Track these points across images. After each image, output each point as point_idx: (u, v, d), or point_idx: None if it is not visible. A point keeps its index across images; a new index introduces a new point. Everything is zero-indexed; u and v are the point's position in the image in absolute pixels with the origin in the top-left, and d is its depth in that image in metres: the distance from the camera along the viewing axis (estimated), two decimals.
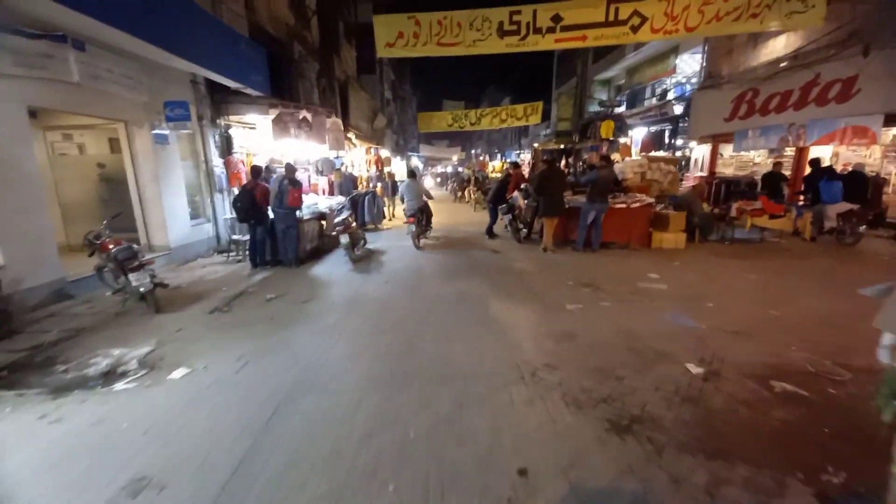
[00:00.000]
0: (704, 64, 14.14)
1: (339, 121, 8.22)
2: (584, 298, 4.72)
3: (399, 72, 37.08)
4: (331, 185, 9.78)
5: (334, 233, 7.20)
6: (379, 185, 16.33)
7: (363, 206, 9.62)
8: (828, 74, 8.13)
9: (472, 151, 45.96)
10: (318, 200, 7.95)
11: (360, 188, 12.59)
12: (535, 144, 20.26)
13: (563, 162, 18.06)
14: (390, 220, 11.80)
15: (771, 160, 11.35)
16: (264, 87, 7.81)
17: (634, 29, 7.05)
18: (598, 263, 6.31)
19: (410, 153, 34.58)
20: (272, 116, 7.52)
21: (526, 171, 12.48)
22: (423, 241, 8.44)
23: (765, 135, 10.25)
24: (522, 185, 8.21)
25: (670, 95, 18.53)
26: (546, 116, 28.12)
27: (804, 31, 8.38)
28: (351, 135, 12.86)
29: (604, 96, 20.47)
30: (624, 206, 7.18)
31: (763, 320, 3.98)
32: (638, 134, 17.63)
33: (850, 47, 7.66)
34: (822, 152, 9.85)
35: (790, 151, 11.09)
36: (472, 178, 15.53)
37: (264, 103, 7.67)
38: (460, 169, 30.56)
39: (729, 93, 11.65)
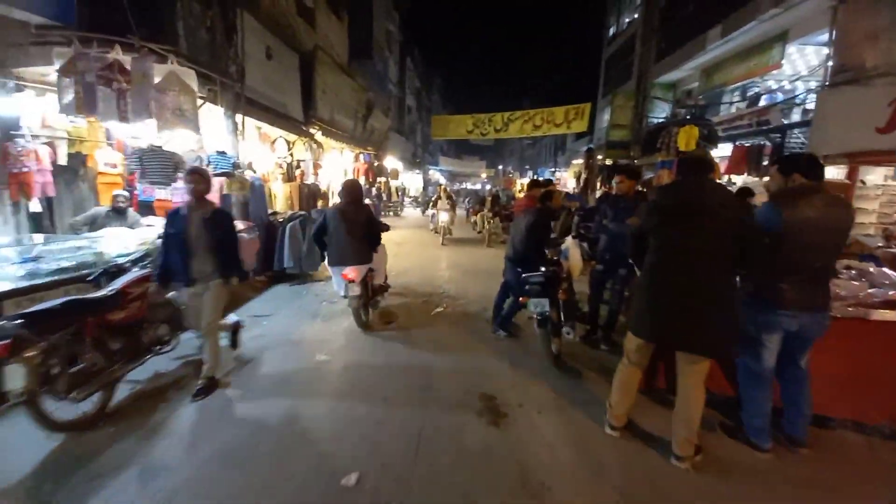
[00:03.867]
0: (831, 54, 9.39)
1: (191, 71, 4.27)
2: None
3: (426, 80, 34.00)
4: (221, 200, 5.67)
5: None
6: (368, 201, 12.48)
7: (282, 241, 5.63)
8: None
9: (500, 168, 41.85)
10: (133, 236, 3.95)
11: (319, 205, 8.69)
12: (590, 147, 15.91)
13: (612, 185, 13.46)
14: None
15: None
16: (66, 12, 4.04)
17: None
18: None
19: (430, 167, 30.94)
20: (58, 65, 3.70)
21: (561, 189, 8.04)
22: (374, 310, 4.36)
23: None
24: (574, 217, 3.99)
25: (763, 102, 13.80)
26: (590, 127, 23.75)
27: None
28: (315, 130, 9.07)
29: (665, 108, 15.84)
30: (862, 312, 2.54)
31: None
32: (719, 150, 12.80)
33: None
34: None
35: None
36: (489, 199, 11.30)
37: (59, 40, 3.88)
38: (478, 186, 26.45)
39: (884, 91, 7.09)
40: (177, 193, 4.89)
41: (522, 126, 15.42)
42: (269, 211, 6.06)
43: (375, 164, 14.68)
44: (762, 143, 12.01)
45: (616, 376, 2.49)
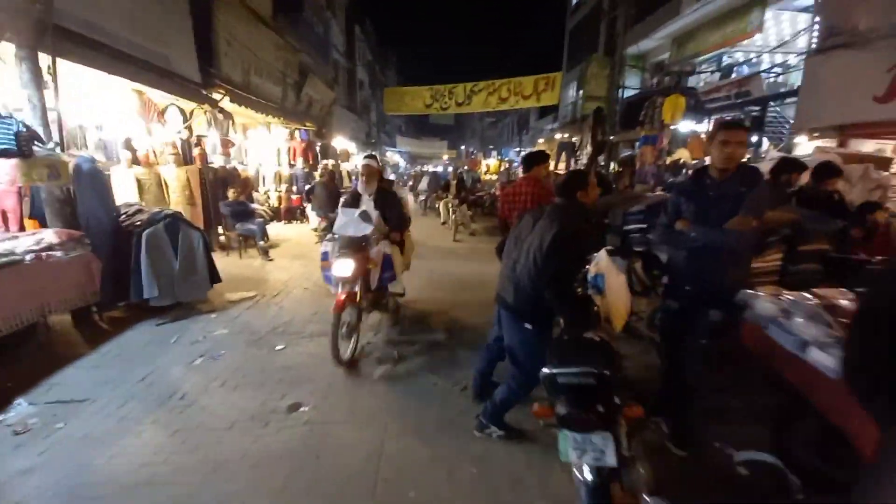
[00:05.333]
0: (818, 17, 8.39)
1: None
2: None
3: (380, 53, 31.09)
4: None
5: None
6: (307, 188, 10.29)
7: (137, 257, 3.57)
8: None
9: (463, 148, 40.01)
10: None
11: (230, 195, 6.55)
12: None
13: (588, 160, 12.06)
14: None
15: None
16: None
17: None
18: None
19: (387, 148, 28.52)
20: None
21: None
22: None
23: None
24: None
25: (741, 72, 12.92)
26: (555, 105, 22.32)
27: None
28: (219, 95, 6.81)
29: (636, 80, 14.65)
30: None
31: None
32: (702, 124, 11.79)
33: None
34: None
35: None
36: (453, 183, 9.51)
37: None
38: (439, 168, 24.49)
39: (882, 56, 6.05)
40: None
41: (487, 98, 13.68)
42: (135, 207, 3.92)
43: (318, 143, 12.39)
44: (742, 115, 11.00)
45: None
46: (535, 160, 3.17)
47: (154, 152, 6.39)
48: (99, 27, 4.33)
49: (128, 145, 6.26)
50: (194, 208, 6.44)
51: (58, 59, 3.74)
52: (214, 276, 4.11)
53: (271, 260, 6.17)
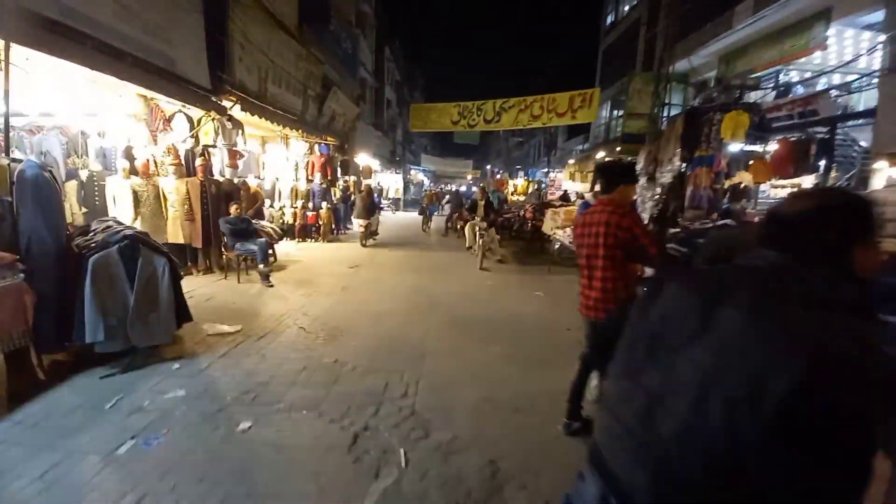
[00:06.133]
0: (885, 36, 7.37)
1: None
2: None
3: (408, 73, 31.32)
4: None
5: None
6: (324, 205, 9.66)
7: (82, 290, 2.77)
8: None
9: (488, 167, 39.40)
10: None
11: (231, 211, 5.83)
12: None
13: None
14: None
15: None
16: None
17: None
18: None
19: (411, 167, 28.17)
20: None
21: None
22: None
23: None
24: None
25: (797, 92, 11.69)
26: (585, 125, 21.35)
27: None
28: (230, 102, 6.22)
29: (676, 100, 13.52)
30: None
31: None
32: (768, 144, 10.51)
33: None
34: None
35: None
36: (481, 203, 8.57)
37: None
38: (463, 188, 23.76)
39: None
40: None
41: (518, 116, 12.85)
42: (106, 223, 3.16)
43: (339, 157, 11.85)
44: (813, 135, 9.70)
45: None
46: (619, 174, 2.15)
47: (155, 162, 5.81)
48: (82, 15, 3.73)
49: (128, 154, 5.71)
50: (193, 224, 5.77)
51: (26, 49, 3.14)
52: (183, 314, 3.27)
53: (272, 286, 5.37)
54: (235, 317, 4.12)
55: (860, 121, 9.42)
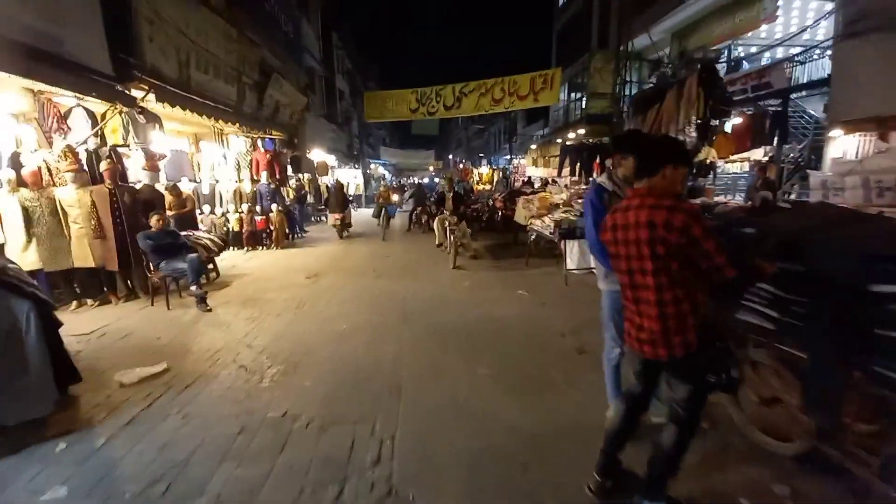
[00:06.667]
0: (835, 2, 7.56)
1: None
2: None
3: (360, 62, 29.74)
4: None
5: None
6: (275, 207, 8.65)
7: None
8: None
9: (451, 158, 38.73)
10: None
11: (152, 223, 4.83)
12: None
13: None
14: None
15: None
16: None
17: None
18: None
19: (371, 160, 26.94)
20: None
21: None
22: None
23: None
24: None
25: (746, 67, 11.92)
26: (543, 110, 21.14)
27: None
28: (141, 91, 5.15)
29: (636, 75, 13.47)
30: None
31: None
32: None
33: None
34: None
35: None
36: (449, 196, 7.92)
37: None
38: (425, 180, 22.96)
39: None
40: None
41: (479, 101, 12.29)
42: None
43: (288, 153, 10.77)
44: (765, 109, 9.82)
45: None
46: (664, 152, 1.49)
47: (48, 169, 4.70)
48: None
49: (14, 162, 4.58)
50: (104, 242, 4.74)
51: None
52: (66, 374, 2.42)
53: (209, 310, 4.48)
54: (160, 354, 3.28)
55: (815, 91, 9.61)
